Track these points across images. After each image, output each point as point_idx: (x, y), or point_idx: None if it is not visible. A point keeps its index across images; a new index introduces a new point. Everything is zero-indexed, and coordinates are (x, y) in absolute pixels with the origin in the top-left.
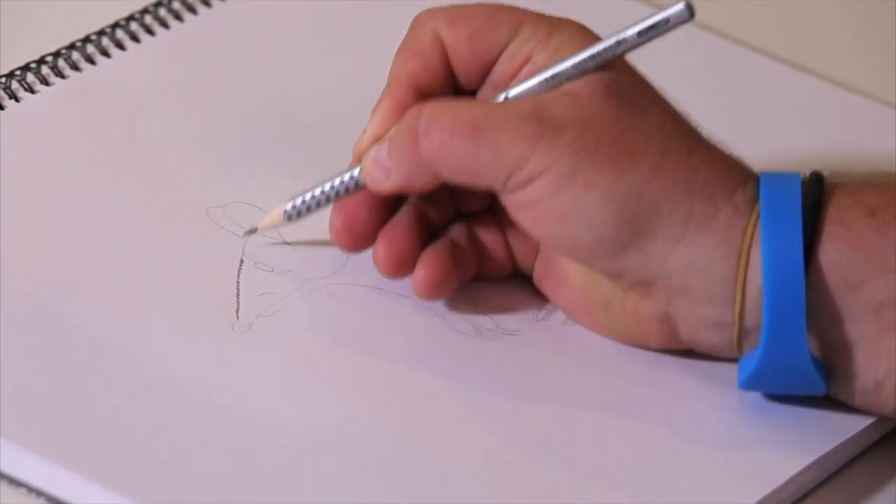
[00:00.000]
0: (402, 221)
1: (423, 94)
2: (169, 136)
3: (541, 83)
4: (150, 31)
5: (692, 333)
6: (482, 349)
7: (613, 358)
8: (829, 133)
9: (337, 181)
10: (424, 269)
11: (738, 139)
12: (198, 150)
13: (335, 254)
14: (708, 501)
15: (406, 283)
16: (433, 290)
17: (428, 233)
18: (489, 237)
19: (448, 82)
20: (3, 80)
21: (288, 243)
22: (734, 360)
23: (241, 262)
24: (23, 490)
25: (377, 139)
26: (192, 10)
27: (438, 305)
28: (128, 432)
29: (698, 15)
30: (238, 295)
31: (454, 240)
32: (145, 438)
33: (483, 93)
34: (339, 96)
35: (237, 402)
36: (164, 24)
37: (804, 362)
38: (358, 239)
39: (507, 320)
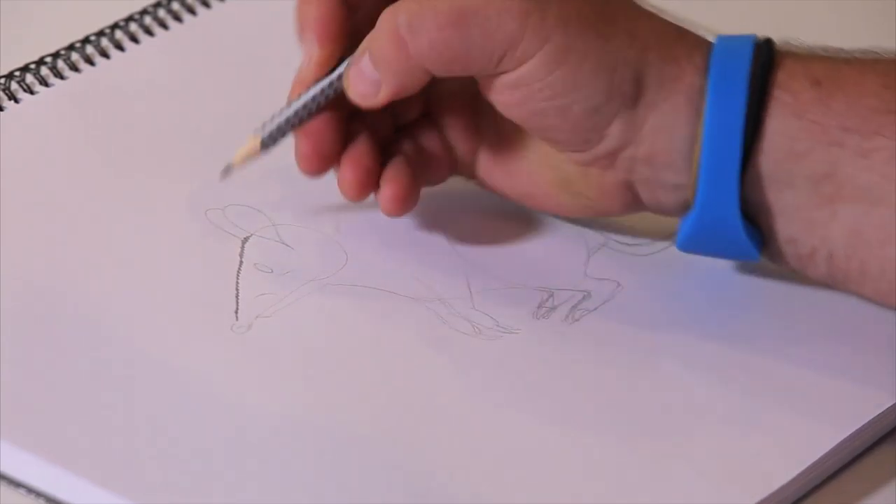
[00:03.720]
0: (361, 142)
1: (350, 4)
2: (167, 137)
3: None
4: (149, 32)
5: (653, 197)
6: (481, 348)
7: (612, 357)
8: None
9: (309, 97)
10: (390, 187)
11: None
12: (196, 152)
13: (334, 255)
14: (708, 501)
15: (404, 283)
16: (401, 206)
17: (381, 150)
18: (430, 143)
19: None
20: (3, 81)
21: (287, 244)
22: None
23: (241, 262)
24: (22, 491)
25: (324, 64)
26: (191, 11)
27: (437, 305)
28: (128, 433)
29: (699, 16)
30: (237, 295)
31: (405, 152)
32: (145, 439)
33: None
34: None
35: (237, 402)
36: (164, 25)
37: (736, 226)
38: (325, 160)
39: (507, 319)
